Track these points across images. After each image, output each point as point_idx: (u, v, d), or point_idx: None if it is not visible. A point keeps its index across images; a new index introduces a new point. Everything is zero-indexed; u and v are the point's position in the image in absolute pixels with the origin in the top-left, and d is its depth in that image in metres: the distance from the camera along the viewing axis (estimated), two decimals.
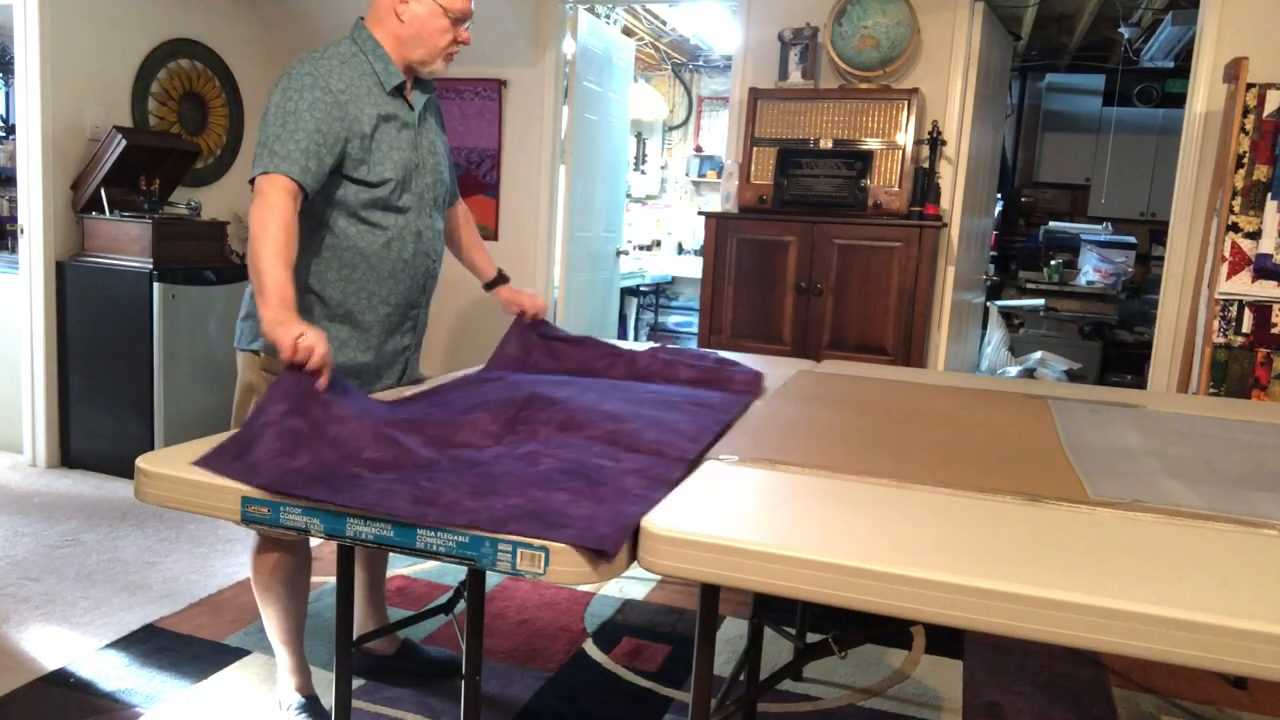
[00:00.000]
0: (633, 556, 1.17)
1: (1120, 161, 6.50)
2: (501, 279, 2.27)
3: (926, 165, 3.75)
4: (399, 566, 2.99)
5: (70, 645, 2.44)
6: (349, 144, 1.81)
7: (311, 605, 2.71)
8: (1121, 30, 5.64)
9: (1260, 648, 0.93)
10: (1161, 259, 3.84)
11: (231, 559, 3.06)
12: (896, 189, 3.67)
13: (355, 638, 1.89)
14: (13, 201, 4.05)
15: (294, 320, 1.58)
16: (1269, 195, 3.11)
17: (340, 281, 1.90)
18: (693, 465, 1.43)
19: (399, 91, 1.92)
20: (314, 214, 1.86)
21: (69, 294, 3.84)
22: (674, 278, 7.61)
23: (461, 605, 1.99)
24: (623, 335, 6.91)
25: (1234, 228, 3.14)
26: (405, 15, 1.87)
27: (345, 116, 1.80)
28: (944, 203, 3.85)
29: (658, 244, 7.90)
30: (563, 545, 1.11)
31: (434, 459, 1.41)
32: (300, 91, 1.76)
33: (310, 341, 1.53)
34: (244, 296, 1.99)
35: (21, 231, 3.84)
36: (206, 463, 1.34)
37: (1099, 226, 6.58)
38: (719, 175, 6.65)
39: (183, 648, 2.45)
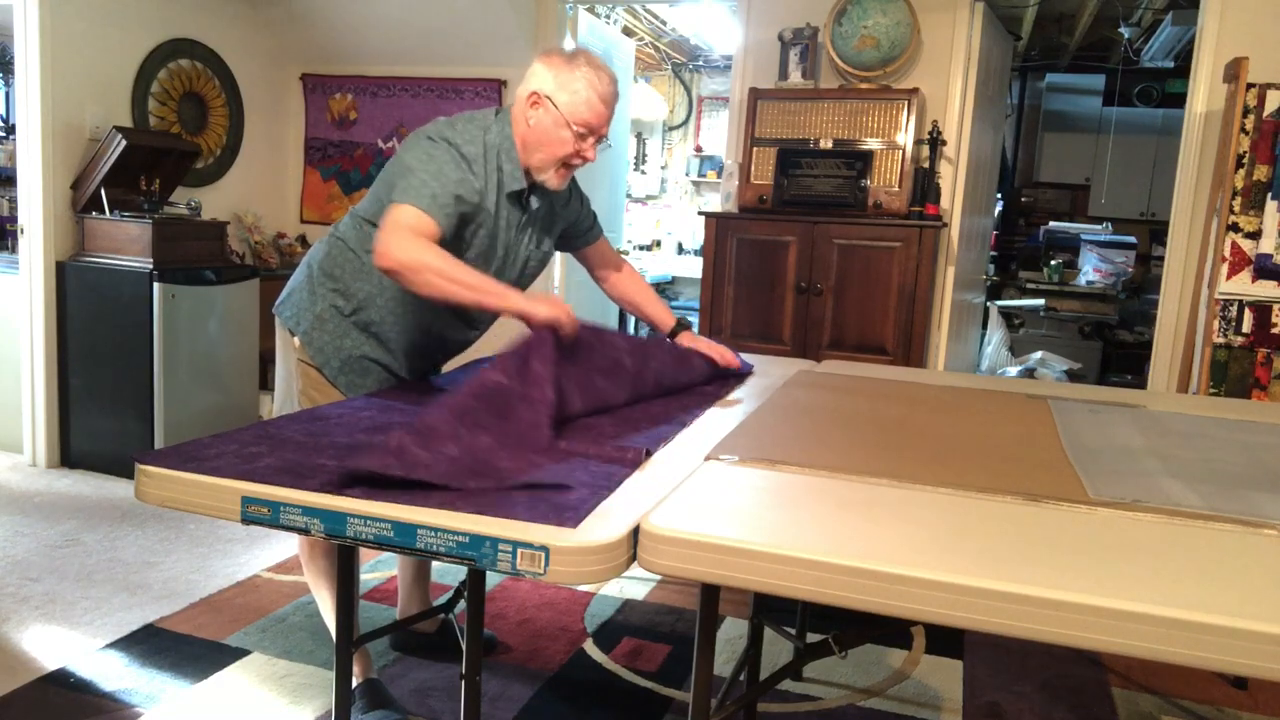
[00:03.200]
0: (633, 556, 1.17)
1: (1120, 161, 6.50)
2: (682, 326, 2.24)
3: (926, 165, 3.75)
4: (399, 566, 2.99)
5: (70, 645, 2.44)
6: (464, 207, 1.82)
7: (312, 605, 2.71)
8: (1121, 30, 5.64)
9: (1260, 648, 0.93)
10: (1161, 259, 3.84)
11: (231, 559, 3.06)
12: (896, 189, 3.67)
13: (356, 637, 1.89)
14: (13, 201, 4.05)
15: (542, 296, 1.69)
16: (1269, 195, 3.11)
17: (385, 311, 1.96)
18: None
19: (518, 198, 1.93)
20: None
21: (69, 294, 3.84)
22: (674, 278, 7.61)
23: (461, 605, 1.99)
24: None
25: (1234, 228, 3.14)
26: (532, 120, 1.87)
27: (467, 185, 1.82)
28: (944, 203, 3.85)
29: (658, 244, 7.90)
30: (563, 545, 1.11)
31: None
32: (442, 150, 1.80)
33: (566, 313, 1.65)
34: (301, 266, 2.05)
35: (21, 231, 3.84)
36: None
37: (1099, 226, 6.58)
38: (719, 175, 6.65)
39: (183, 648, 2.45)
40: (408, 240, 1.69)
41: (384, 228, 1.72)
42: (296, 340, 2.03)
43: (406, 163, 1.80)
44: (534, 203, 1.97)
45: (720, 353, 2.16)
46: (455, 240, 1.85)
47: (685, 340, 2.18)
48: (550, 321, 1.64)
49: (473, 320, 2.07)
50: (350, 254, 1.97)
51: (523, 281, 2.07)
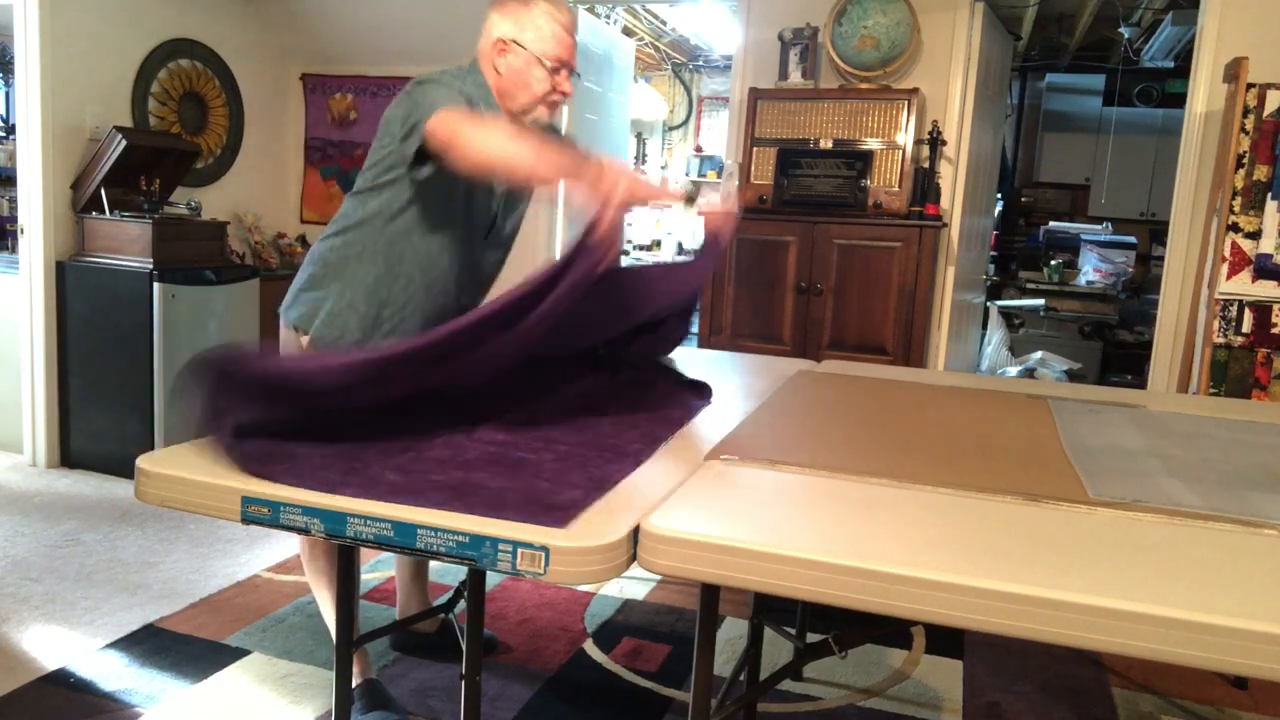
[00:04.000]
0: (633, 556, 1.17)
1: (1120, 161, 6.50)
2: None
3: (926, 165, 3.75)
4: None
5: (70, 645, 2.44)
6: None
7: (312, 605, 2.71)
8: (1121, 30, 5.64)
9: (1260, 648, 0.93)
10: (1161, 259, 3.84)
11: (231, 559, 3.06)
12: (896, 189, 3.67)
13: (356, 637, 1.89)
14: (13, 201, 4.05)
15: (595, 163, 1.54)
16: (1269, 195, 3.11)
17: (384, 285, 1.92)
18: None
19: None
20: (392, 215, 1.89)
21: (69, 294, 3.84)
22: None
23: (461, 605, 1.99)
24: None
25: (1234, 228, 3.14)
26: (502, 68, 1.89)
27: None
28: (944, 203, 3.85)
29: (658, 244, 7.90)
30: (564, 545, 1.11)
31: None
32: (439, 85, 1.78)
33: (620, 173, 1.48)
34: (303, 266, 2.00)
35: (21, 231, 3.84)
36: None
37: (1099, 226, 6.58)
38: (719, 175, 6.64)
39: (183, 648, 2.45)
40: (476, 131, 1.64)
41: (452, 134, 1.65)
42: (305, 340, 1.98)
43: (409, 105, 1.76)
44: None
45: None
46: (451, 187, 1.84)
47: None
48: (611, 185, 1.48)
49: (485, 281, 2.05)
50: (354, 238, 1.93)
51: (510, 240, 2.08)
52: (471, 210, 1.94)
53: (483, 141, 1.63)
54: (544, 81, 1.88)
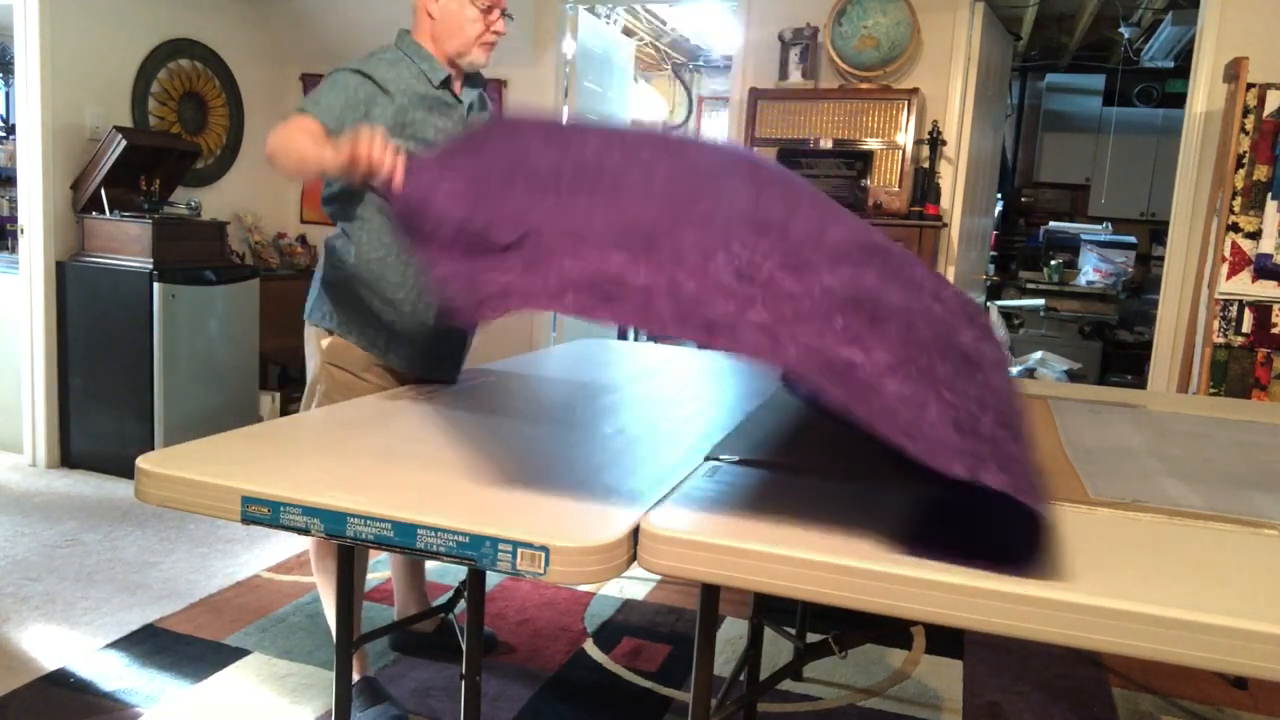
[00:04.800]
0: (633, 556, 1.17)
1: (1120, 161, 6.50)
2: None
3: (926, 165, 3.75)
4: None
5: (70, 645, 2.44)
6: (384, 114, 1.85)
7: (312, 605, 2.71)
8: (1121, 30, 5.64)
9: (1260, 648, 0.93)
10: (1161, 259, 3.84)
11: (231, 559, 3.06)
12: (896, 189, 3.67)
13: (356, 637, 1.89)
14: (13, 201, 4.05)
15: (337, 142, 1.57)
16: (1269, 195, 3.11)
17: (376, 258, 1.94)
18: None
19: (446, 85, 1.98)
20: (362, 206, 1.93)
21: (69, 294, 3.84)
22: None
23: (461, 605, 1.99)
24: (622, 336, 6.90)
25: (1234, 228, 3.14)
26: (435, 11, 1.95)
27: (380, 95, 1.87)
28: (944, 203, 3.85)
29: None
30: (563, 545, 1.11)
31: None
32: (345, 75, 1.87)
33: (372, 138, 1.50)
34: (318, 270, 2.05)
35: (21, 231, 3.84)
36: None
37: (1099, 226, 6.58)
38: None
39: (183, 648, 2.45)
40: (281, 129, 1.73)
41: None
42: (326, 342, 2.02)
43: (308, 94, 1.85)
44: (466, 94, 2.02)
45: None
46: (403, 119, 1.88)
47: None
48: (359, 148, 1.50)
49: None
50: (343, 231, 1.98)
51: None
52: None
53: (276, 146, 1.71)
54: (477, 22, 1.95)
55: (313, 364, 2.08)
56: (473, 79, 2.05)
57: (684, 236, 1.13)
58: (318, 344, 2.05)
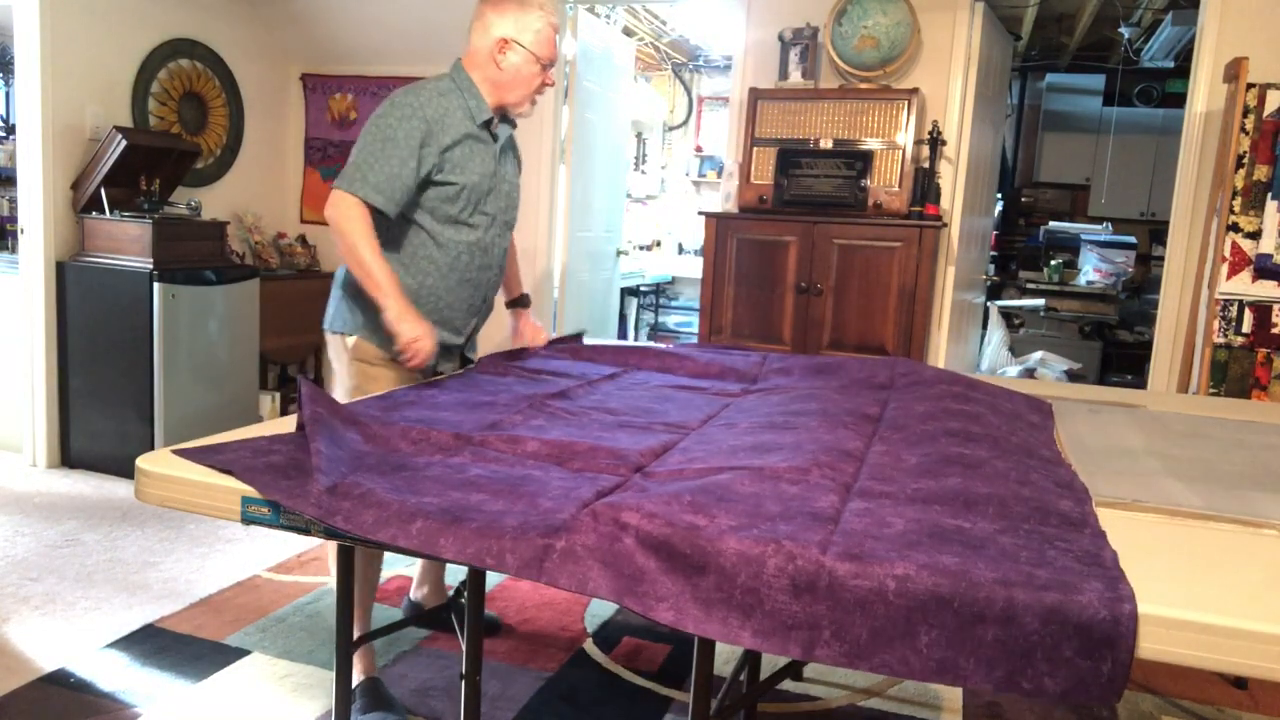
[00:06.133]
0: None
1: (1120, 161, 6.50)
2: (523, 302, 2.48)
3: (926, 165, 3.75)
4: (399, 566, 2.99)
5: (70, 645, 2.44)
6: (432, 153, 2.01)
7: (312, 605, 2.72)
8: (1121, 30, 5.64)
9: (1260, 648, 0.93)
10: (1161, 259, 3.84)
11: (231, 559, 3.06)
12: (896, 189, 3.67)
13: (356, 637, 1.89)
14: (13, 201, 4.05)
15: (417, 318, 1.95)
16: (1269, 195, 3.11)
17: (412, 279, 2.09)
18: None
19: (486, 126, 2.13)
20: (403, 218, 2.07)
21: (69, 294, 3.84)
22: (674, 278, 7.60)
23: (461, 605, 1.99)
24: (623, 335, 6.91)
25: (1234, 228, 3.14)
26: (504, 64, 2.10)
27: (432, 136, 2.02)
28: (944, 203, 3.85)
29: (658, 244, 7.90)
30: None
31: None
32: (401, 120, 1.99)
33: (426, 345, 1.93)
34: (336, 283, 2.17)
35: (21, 231, 3.84)
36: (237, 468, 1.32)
37: (1099, 226, 6.58)
38: (719, 175, 6.65)
39: (183, 648, 2.45)
40: (342, 220, 1.96)
41: (331, 210, 1.98)
42: (351, 341, 2.11)
43: (363, 138, 2.00)
44: (502, 132, 2.18)
45: (534, 334, 2.44)
46: (442, 163, 2.03)
47: (519, 317, 2.46)
48: (407, 345, 1.92)
49: (497, 261, 2.24)
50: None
51: (510, 213, 2.25)
52: (481, 213, 2.14)
53: (338, 234, 1.97)
54: (538, 78, 2.13)
55: (340, 366, 2.17)
56: (506, 122, 2.20)
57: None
58: (343, 346, 2.14)
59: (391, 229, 2.06)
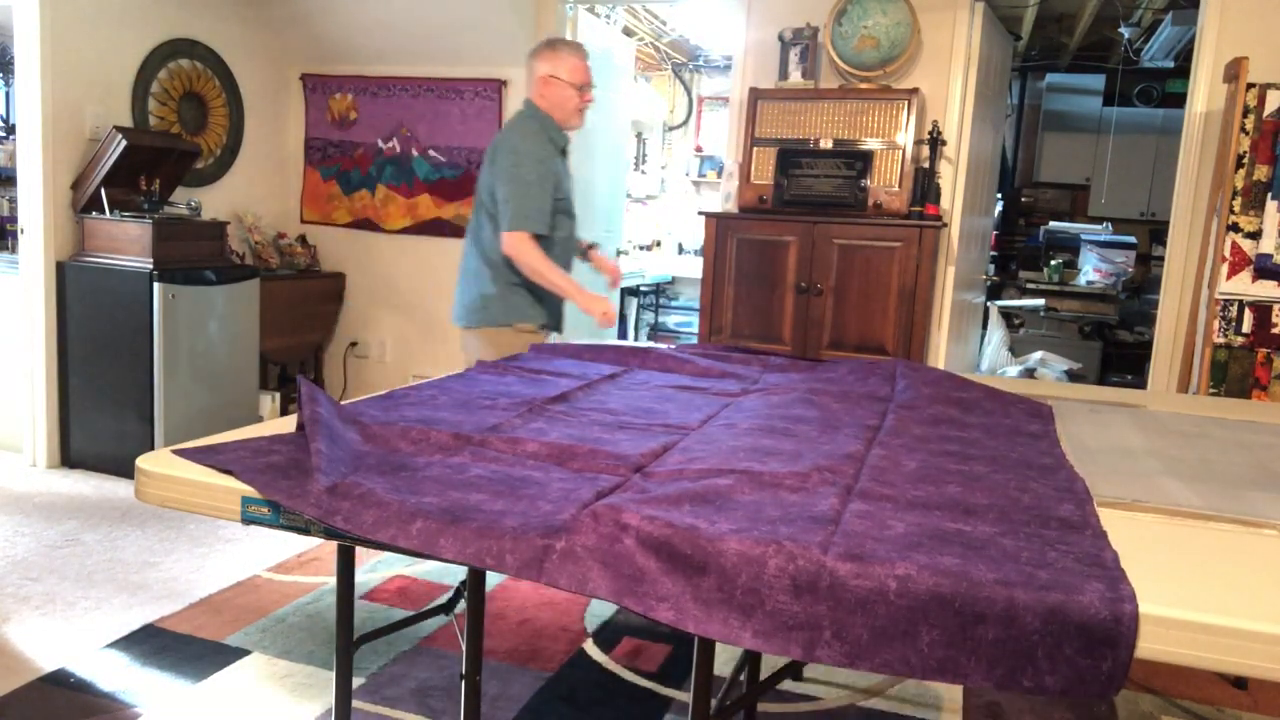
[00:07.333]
0: None
1: (1120, 161, 6.50)
2: (593, 246, 3.11)
3: (926, 165, 3.75)
4: (399, 566, 2.99)
5: (70, 645, 2.44)
6: (551, 183, 2.73)
7: (312, 605, 2.72)
8: (1121, 30, 5.64)
9: (1260, 648, 0.93)
10: (1161, 259, 3.84)
11: (231, 559, 3.06)
12: (896, 189, 3.67)
13: (356, 638, 1.89)
14: (13, 201, 4.05)
15: (596, 295, 2.72)
16: (1269, 195, 3.11)
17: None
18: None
19: (563, 149, 2.85)
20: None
21: (69, 294, 3.84)
22: (674, 278, 7.60)
23: (461, 605, 1.99)
24: (623, 335, 6.91)
25: (1234, 228, 3.14)
26: (547, 94, 2.79)
27: (549, 170, 2.73)
28: (944, 203, 3.85)
29: (658, 244, 7.90)
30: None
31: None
32: (534, 164, 2.69)
33: (610, 307, 2.72)
34: (471, 282, 2.82)
35: (21, 231, 3.84)
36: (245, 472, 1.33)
37: (1099, 226, 6.58)
38: (719, 175, 6.65)
39: (183, 648, 2.45)
40: (532, 257, 2.69)
41: (517, 253, 2.69)
42: (492, 330, 2.76)
43: (515, 183, 2.68)
44: (568, 151, 2.88)
45: (614, 268, 3.12)
46: (555, 191, 2.74)
47: (596, 259, 3.09)
48: (606, 310, 2.70)
49: (573, 249, 2.97)
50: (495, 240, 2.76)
51: (575, 216, 2.89)
52: (566, 214, 2.85)
53: (526, 267, 2.71)
54: (574, 98, 2.81)
55: (490, 353, 2.63)
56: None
57: None
58: (488, 337, 2.76)
59: (548, 248, 2.73)
